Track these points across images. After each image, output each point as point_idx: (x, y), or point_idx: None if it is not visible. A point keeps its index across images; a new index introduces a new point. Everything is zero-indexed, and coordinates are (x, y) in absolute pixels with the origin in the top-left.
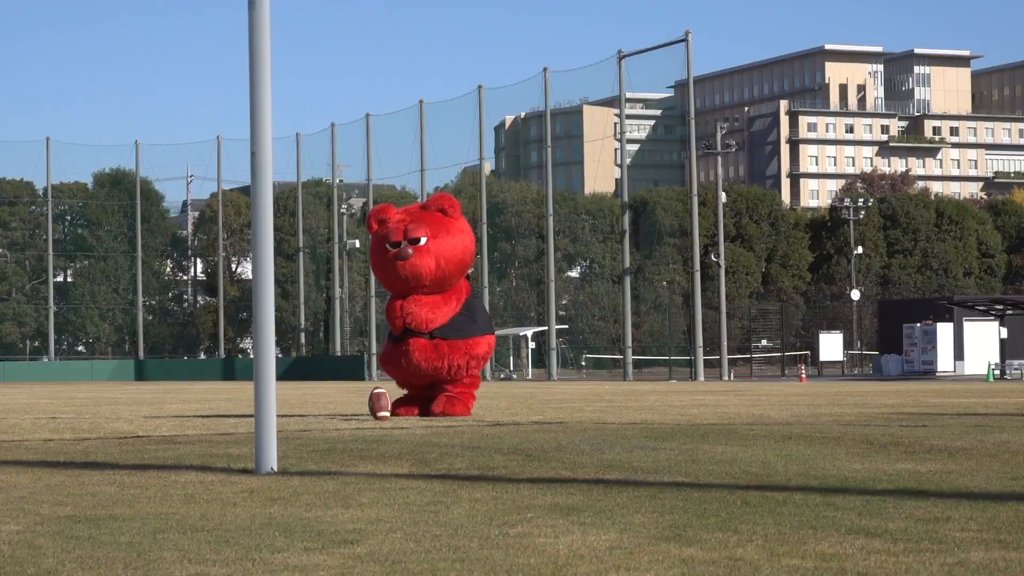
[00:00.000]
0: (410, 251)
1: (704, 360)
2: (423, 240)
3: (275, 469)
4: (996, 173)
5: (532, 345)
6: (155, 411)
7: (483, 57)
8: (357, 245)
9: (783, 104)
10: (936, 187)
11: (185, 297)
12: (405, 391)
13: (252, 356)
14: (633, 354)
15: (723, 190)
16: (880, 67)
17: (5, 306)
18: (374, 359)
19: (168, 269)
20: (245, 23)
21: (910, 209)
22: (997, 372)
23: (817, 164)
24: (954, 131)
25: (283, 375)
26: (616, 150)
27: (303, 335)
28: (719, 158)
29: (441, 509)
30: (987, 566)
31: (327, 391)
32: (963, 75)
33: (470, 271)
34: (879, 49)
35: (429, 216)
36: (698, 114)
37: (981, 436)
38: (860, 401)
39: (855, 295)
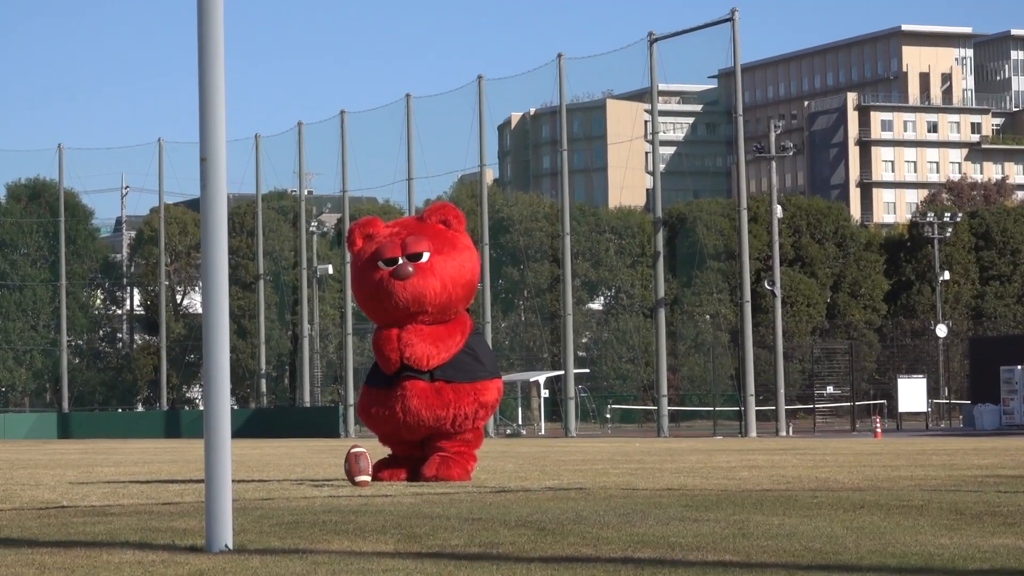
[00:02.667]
0: (411, 269)
1: (756, 411)
2: (425, 256)
3: (230, 546)
4: None
5: (545, 393)
6: (83, 475)
7: (483, 41)
8: (330, 271)
9: (851, 97)
10: None
11: (119, 336)
12: (388, 450)
13: (202, 408)
14: (669, 404)
15: (778, 203)
16: (969, 52)
17: None
18: (351, 411)
19: (98, 301)
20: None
21: (1007, 225)
22: None
23: (893, 171)
24: None
25: (240, 431)
26: (647, 154)
27: (264, 382)
28: (773, 163)
29: None
30: None
31: (294, 450)
32: None
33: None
34: (968, 30)
35: (429, 228)
36: (746, 110)
37: None
38: (948, 461)
39: (941, 331)
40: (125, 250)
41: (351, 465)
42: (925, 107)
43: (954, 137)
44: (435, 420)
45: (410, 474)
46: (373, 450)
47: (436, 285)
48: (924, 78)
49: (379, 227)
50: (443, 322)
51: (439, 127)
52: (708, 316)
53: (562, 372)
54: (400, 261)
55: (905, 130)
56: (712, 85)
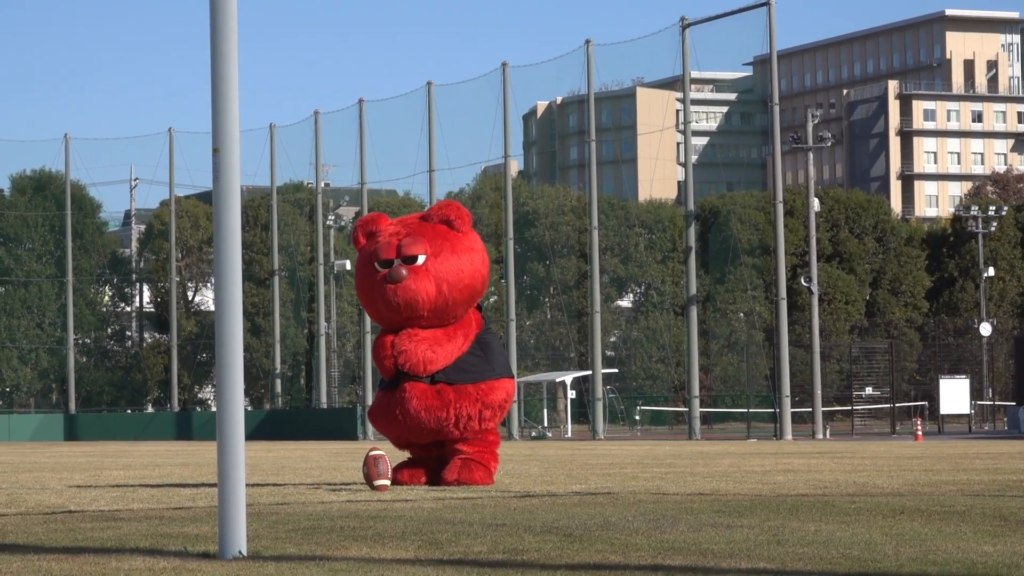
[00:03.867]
0: (404, 272)
1: (792, 413)
2: (421, 259)
3: (244, 553)
4: None
5: (572, 394)
6: (91, 479)
7: (508, 27)
8: (348, 267)
9: (892, 86)
10: None
11: (128, 334)
12: (407, 453)
13: (214, 409)
14: (701, 406)
15: (816, 196)
16: (1016, 38)
17: None
18: None
19: (107, 298)
20: None
21: None
22: None
23: (936, 162)
24: None
25: (254, 433)
26: (679, 145)
27: (279, 382)
28: (810, 155)
29: None
30: None
31: (310, 453)
32: None
33: (481, 301)
34: (1014, 15)
35: (430, 229)
36: (783, 99)
37: None
38: (992, 465)
39: (985, 329)
40: (134, 245)
41: (370, 468)
42: (969, 96)
43: (999, 127)
44: (436, 422)
45: (430, 476)
46: (392, 453)
47: (431, 289)
48: (968, 65)
49: (382, 225)
50: (443, 325)
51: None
52: (742, 314)
53: (589, 372)
54: (395, 263)
55: (948, 120)
56: (747, 72)
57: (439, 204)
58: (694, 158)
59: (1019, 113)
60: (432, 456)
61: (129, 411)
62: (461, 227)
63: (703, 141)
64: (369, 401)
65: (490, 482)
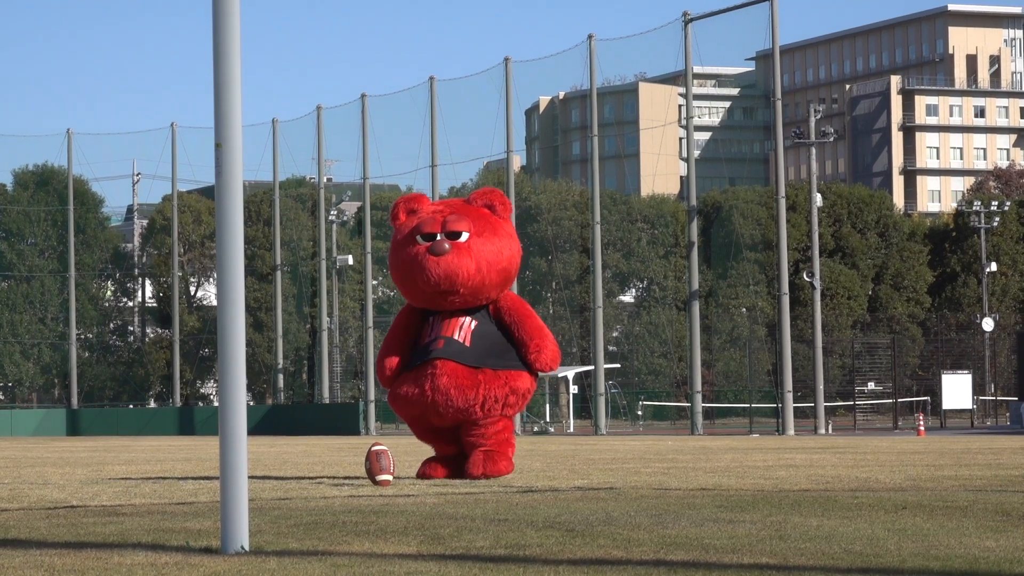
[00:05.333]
0: (447, 246)
1: (794, 408)
2: (464, 236)
3: (246, 548)
4: None
5: (574, 389)
6: (93, 474)
7: (511, 22)
8: (350, 262)
9: (894, 81)
10: None
11: (131, 329)
12: (416, 451)
13: (216, 404)
14: (703, 401)
15: (818, 191)
16: (1018, 33)
17: None
18: (372, 407)
19: (109, 293)
20: None
21: None
22: None
23: (938, 157)
24: None
25: (256, 428)
26: (681, 140)
27: (281, 377)
28: (813, 150)
29: None
30: None
31: (312, 448)
32: None
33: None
34: (1017, 10)
35: (474, 211)
36: (785, 94)
37: None
38: (994, 460)
39: (988, 325)
40: (136, 240)
41: (372, 464)
42: (972, 91)
43: (1002, 122)
44: (464, 401)
45: (453, 471)
46: (395, 448)
47: (471, 266)
48: (971, 60)
49: (424, 203)
50: (475, 304)
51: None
52: (744, 309)
53: (592, 367)
54: (438, 237)
55: (951, 115)
56: (749, 68)
57: (483, 189)
58: (696, 153)
59: (1022, 108)
60: (448, 454)
61: (131, 406)
62: (503, 213)
63: (705, 136)
64: (372, 397)
65: (512, 468)
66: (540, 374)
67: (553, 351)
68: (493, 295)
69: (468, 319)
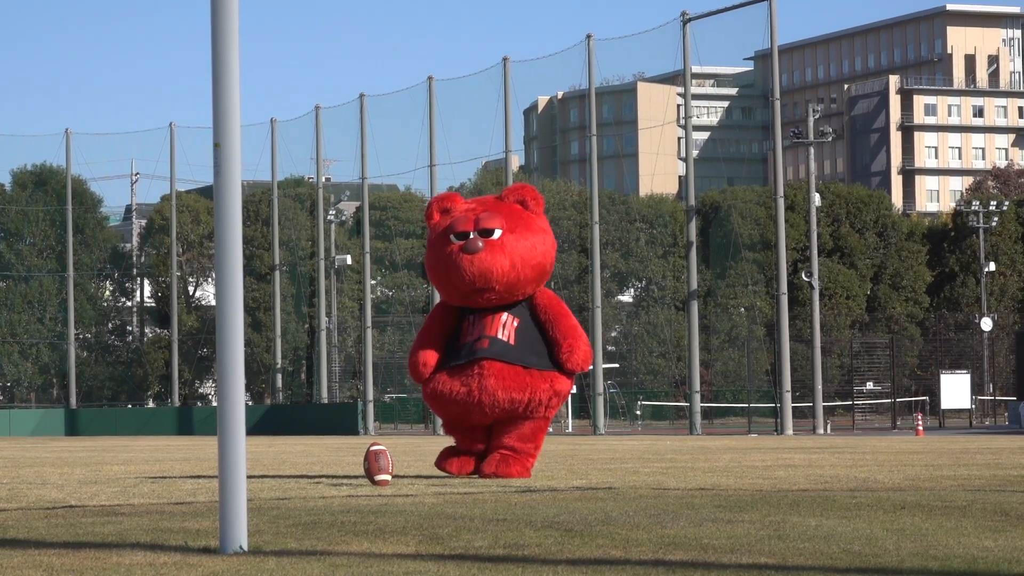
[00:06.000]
0: (480, 244)
1: (793, 408)
2: (497, 233)
3: (244, 548)
4: None
5: (572, 389)
6: (91, 474)
7: (509, 22)
8: (348, 261)
9: (893, 80)
10: None
11: (129, 329)
12: (453, 440)
13: (215, 404)
14: (702, 401)
15: (817, 190)
16: (1017, 33)
17: None
18: (370, 407)
19: (107, 293)
20: None
21: None
22: None
23: (937, 157)
24: None
25: (255, 427)
26: (680, 139)
27: (280, 377)
28: (811, 149)
29: None
30: None
31: (311, 448)
32: None
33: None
34: (1015, 10)
35: (506, 207)
36: (784, 93)
37: None
38: (993, 460)
39: (986, 324)
40: (135, 239)
41: (371, 463)
42: (971, 90)
43: (1000, 122)
44: (510, 403)
45: (476, 465)
46: (393, 448)
47: (504, 263)
48: (970, 60)
49: (457, 202)
50: (511, 300)
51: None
52: (743, 309)
53: (590, 367)
54: (471, 236)
55: (949, 114)
56: (748, 67)
57: (515, 185)
58: (695, 153)
59: (1020, 108)
60: (476, 450)
61: (130, 406)
62: (535, 208)
63: (704, 136)
64: (370, 397)
65: (527, 475)
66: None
67: (585, 351)
68: (529, 290)
69: (509, 316)
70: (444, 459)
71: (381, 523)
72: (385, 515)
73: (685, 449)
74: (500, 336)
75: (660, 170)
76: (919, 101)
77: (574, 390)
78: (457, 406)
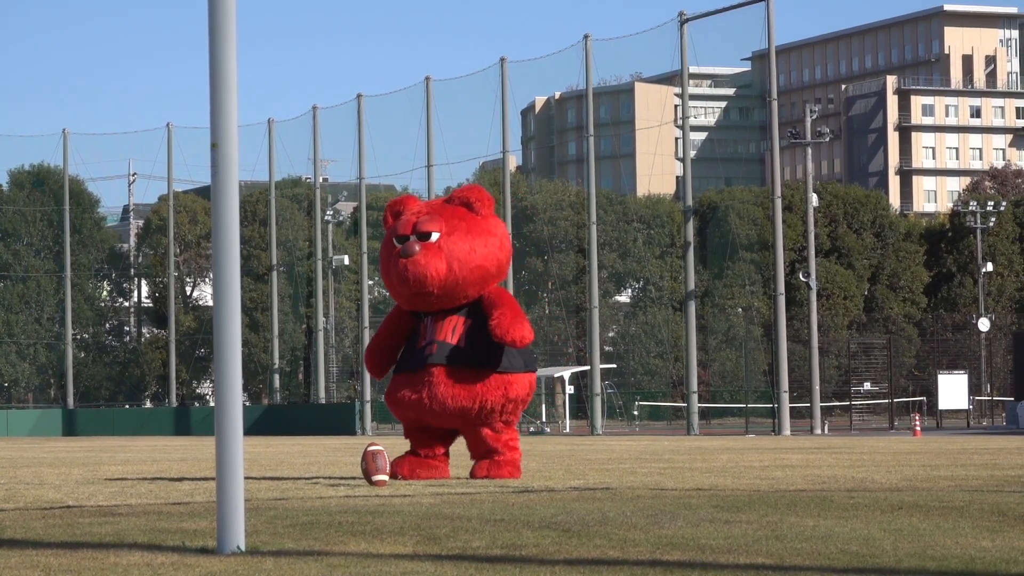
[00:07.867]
0: (416, 248)
1: (790, 409)
2: (434, 236)
3: (242, 548)
4: None
5: (570, 389)
6: (89, 474)
7: (507, 22)
8: (346, 262)
9: (890, 81)
10: None
11: (127, 329)
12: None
13: (212, 404)
14: (700, 401)
15: (814, 191)
16: (1014, 33)
17: None
18: (368, 407)
19: (105, 293)
20: None
21: None
22: None
23: (934, 157)
24: None
25: (252, 428)
26: (677, 140)
27: (277, 377)
28: (809, 150)
29: None
30: None
31: (308, 448)
32: None
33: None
34: (1013, 11)
35: (449, 210)
36: (781, 94)
37: None
38: (990, 460)
39: (984, 325)
40: (132, 240)
41: (368, 464)
42: (968, 91)
43: (998, 122)
44: (460, 411)
45: (425, 470)
46: (391, 448)
47: (440, 266)
48: (967, 60)
49: (410, 205)
50: (452, 304)
51: (460, 112)
52: (740, 309)
53: (588, 367)
54: (409, 239)
55: (947, 115)
56: (745, 68)
57: (463, 187)
58: (692, 153)
59: (1017, 108)
60: (436, 454)
61: (127, 406)
62: (480, 209)
63: (701, 136)
64: (368, 397)
65: (518, 475)
66: (534, 369)
67: (512, 319)
68: (472, 293)
69: (460, 318)
70: (398, 461)
71: (378, 523)
72: (382, 515)
73: (682, 449)
74: (450, 339)
75: (657, 170)
76: (916, 101)
77: (571, 390)
78: (411, 411)
